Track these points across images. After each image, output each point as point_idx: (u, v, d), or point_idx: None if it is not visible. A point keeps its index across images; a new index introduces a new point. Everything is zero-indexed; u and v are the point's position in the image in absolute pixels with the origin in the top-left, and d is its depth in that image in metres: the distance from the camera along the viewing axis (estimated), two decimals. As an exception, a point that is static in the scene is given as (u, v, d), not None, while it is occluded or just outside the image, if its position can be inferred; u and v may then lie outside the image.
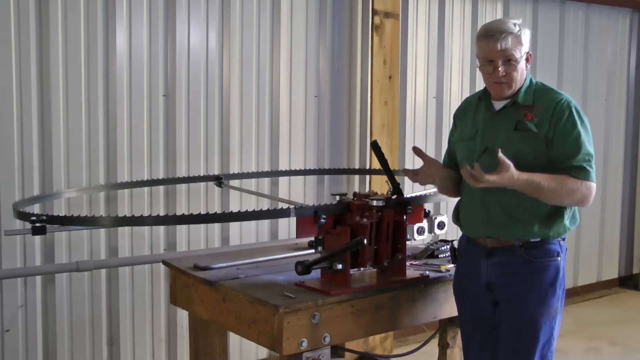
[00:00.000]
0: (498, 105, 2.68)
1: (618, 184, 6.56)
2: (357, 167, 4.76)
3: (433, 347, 3.13)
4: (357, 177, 4.77)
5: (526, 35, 2.63)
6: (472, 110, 2.79)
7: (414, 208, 2.80)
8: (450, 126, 2.95)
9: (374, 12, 4.58)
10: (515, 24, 2.62)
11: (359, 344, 4.47)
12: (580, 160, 2.56)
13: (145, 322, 4.02)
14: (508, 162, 2.46)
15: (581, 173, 2.55)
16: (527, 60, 2.65)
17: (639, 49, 6.56)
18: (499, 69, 2.59)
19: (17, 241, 3.60)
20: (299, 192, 4.53)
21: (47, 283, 3.72)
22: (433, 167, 2.77)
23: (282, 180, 4.44)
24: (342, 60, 4.68)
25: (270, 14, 4.34)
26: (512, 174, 2.47)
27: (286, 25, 4.41)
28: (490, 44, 2.59)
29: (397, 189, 2.77)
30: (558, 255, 2.64)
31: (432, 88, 5.12)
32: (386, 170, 2.80)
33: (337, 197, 2.77)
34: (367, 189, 4.60)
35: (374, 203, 2.64)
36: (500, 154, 2.46)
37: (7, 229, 3.12)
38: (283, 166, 4.42)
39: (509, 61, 2.59)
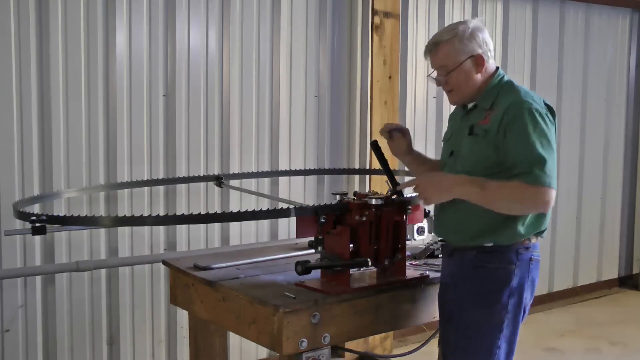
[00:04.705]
0: (469, 106, 2.68)
1: (618, 184, 6.57)
2: (357, 167, 4.75)
3: (433, 347, 3.12)
4: (357, 177, 4.77)
5: (470, 38, 2.54)
6: (456, 111, 2.80)
7: (414, 208, 2.79)
8: None
9: (374, 12, 4.58)
10: (452, 29, 2.56)
11: (359, 344, 4.47)
12: (529, 165, 2.41)
13: (145, 322, 4.02)
14: (426, 175, 2.57)
15: (529, 178, 2.40)
16: (477, 63, 2.56)
17: (639, 49, 6.56)
18: (441, 79, 2.62)
19: (17, 241, 3.60)
20: (299, 192, 4.53)
21: (47, 283, 3.72)
22: (396, 144, 2.88)
23: (282, 180, 4.44)
24: (342, 60, 4.68)
25: (270, 14, 4.35)
26: (431, 178, 2.53)
27: (286, 25, 4.41)
28: (426, 57, 2.64)
29: (397, 189, 2.77)
30: (512, 263, 2.52)
31: (432, 88, 5.12)
32: (386, 170, 2.80)
33: (338, 197, 2.77)
34: (367, 189, 4.60)
35: (374, 202, 2.64)
36: (402, 184, 2.60)
37: (7, 229, 3.10)
38: (283, 166, 4.42)
39: (446, 71, 2.59)
